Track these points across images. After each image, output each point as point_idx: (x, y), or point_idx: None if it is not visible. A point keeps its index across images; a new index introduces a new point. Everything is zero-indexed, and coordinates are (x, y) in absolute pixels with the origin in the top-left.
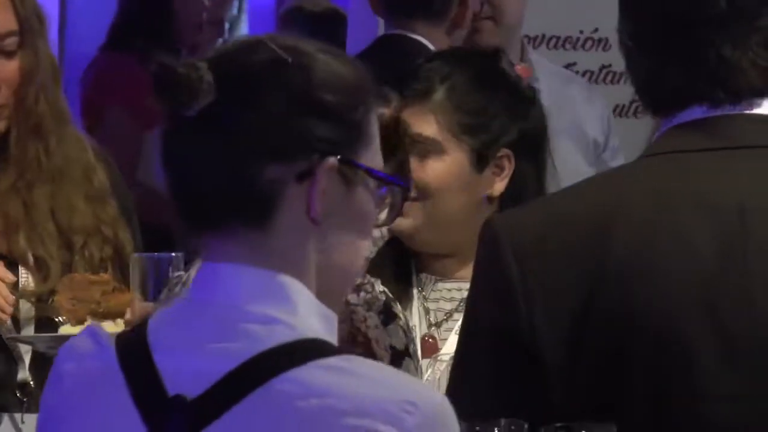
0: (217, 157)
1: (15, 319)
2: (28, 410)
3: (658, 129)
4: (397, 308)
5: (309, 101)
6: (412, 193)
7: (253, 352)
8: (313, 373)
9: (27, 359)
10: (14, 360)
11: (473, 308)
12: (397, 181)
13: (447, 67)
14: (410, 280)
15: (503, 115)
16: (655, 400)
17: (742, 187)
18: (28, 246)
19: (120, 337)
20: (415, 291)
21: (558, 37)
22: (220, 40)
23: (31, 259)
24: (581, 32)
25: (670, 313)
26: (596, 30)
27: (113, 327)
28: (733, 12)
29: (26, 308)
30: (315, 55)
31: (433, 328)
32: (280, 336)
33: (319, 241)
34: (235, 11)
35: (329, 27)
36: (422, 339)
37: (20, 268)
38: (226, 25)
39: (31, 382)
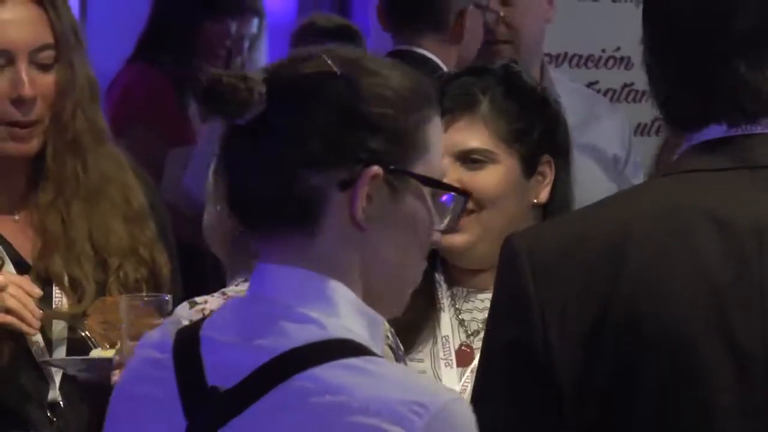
0: (265, 165)
1: (47, 339)
2: (58, 430)
3: (677, 148)
4: (385, 326)
5: (354, 113)
6: (470, 206)
7: (282, 349)
8: (332, 371)
9: (58, 379)
10: (45, 379)
11: (493, 325)
12: (453, 188)
13: (481, 79)
14: (434, 294)
15: (540, 122)
16: (667, 418)
17: (760, 208)
18: (65, 266)
19: (181, 330)
20: (446, 304)
21: (580, 56)
22: (239, 59)
23: (66, 279)
24: (603, 51)
25: (683, 332)
26: (618, 48)
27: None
28: (752, 32)
29: (59, 329)
30: (367, 68)
31: (470, 338)
32: (310, 335)
33: (365, 247)
34: (254, 29)
35: (342, 43)
36: (458, 349)
37: (54, 287)
38: (246, 43)
39: (61, 402)
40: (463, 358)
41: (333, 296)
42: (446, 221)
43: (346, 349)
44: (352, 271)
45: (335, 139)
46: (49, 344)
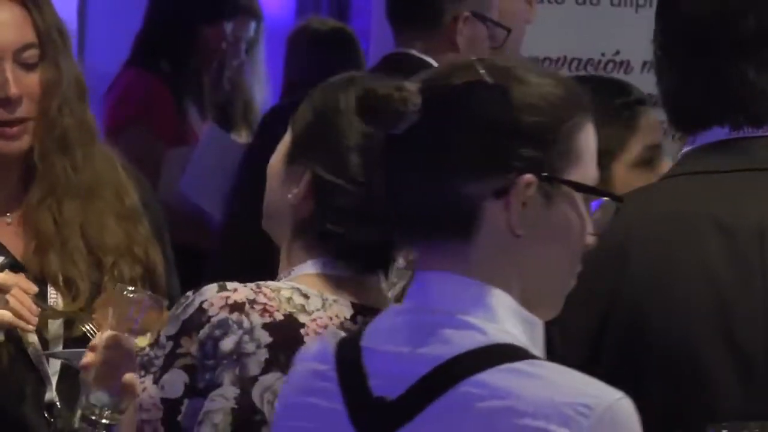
0: (420, 174)
1: (43, 338)
2: (55, 431)
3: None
4: None
5: (507, 122)
6: None
7: (446, 357)
8: (496, 376)
9: (54, 380)
10: (41, 380)
11: None
12: (606, 193)
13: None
14: None
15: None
16: (669, 420)
17: (762, 210)
18: (59, 264)
19: (341, 340)
20: None
21: (579, 59)
22: (236, 62)
23: (60, 278)
24: (603, 54)
25: (686, 334)
26: (617, 52)
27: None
28: (758, 36)
29: (55, 328)
30: (519, 77)
31: None
32: (472, 341)
33: (521, 252)
34: (252, 33)
35: (336, 46)
36: None
37: (49, 287)
38: (243, 46)
39: (58, 403)
40: None
41: (492, 302)
42: (600, 225)
43: (508, 353)
44: (509, 276)
45: (489, 148)
46: (46, 344)
